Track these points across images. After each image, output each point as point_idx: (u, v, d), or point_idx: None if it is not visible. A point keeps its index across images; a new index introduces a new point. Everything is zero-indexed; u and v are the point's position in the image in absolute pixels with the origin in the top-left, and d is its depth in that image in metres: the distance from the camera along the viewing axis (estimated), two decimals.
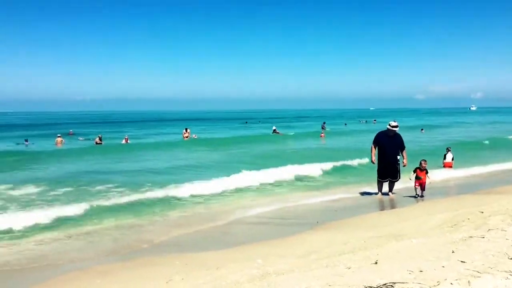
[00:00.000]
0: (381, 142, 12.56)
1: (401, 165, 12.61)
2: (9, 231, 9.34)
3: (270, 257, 6.71)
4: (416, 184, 12.38)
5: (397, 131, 12.62)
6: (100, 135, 33.29)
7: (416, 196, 12.34)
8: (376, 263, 5.32)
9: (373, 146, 12.76)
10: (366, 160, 17.86)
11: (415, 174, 12.39)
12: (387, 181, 12.67)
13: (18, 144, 33.31)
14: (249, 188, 14.43)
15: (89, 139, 37.53)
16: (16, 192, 14.01)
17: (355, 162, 19.70)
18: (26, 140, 33.76)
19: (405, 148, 12.82)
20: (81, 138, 39.94)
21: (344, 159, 19.73)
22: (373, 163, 12.84)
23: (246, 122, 78.60)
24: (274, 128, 45.53)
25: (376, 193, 12.84)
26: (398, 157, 12.60)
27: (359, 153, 20.77)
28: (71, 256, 7.96)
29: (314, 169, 17.55)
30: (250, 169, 16.48)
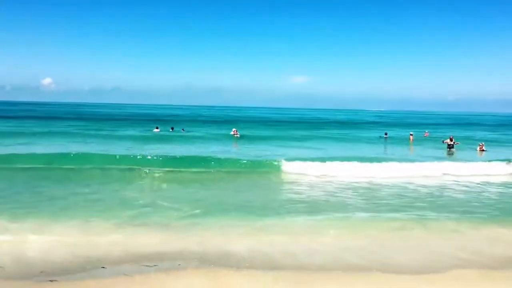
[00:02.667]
0: None
1: None
2: None
3: None
4: None
5: None
6: (451, 136, 32.01)
7: None
8: None
9: None
10: None
11: None
12: None
13: (380, 137, 37.19)
14: None
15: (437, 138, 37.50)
16: None
17: None
18: (386, 134, 37.50)
19: None
20: (426, 134, 40.70)
21: None
22: None
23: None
24: None
25: None
26: None
27: None
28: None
29: None
30: None
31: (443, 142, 30.04)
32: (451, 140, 29.50)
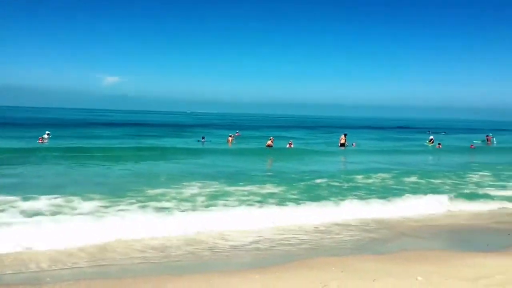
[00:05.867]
0: None
1: None
2: None
3: (432, 276, 6.29)
4: None
5: None
6: (272, 137, 34.17)
7: None
8: None
9: None
10: None
11: None
12: None
13: (198, 141, 37.32)
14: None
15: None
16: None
17: None
18: (203, 138, 37.58)
19: None
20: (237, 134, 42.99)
21: None
22: None
23: (429, 132, 64.42)
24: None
25: None
26: None
27: None
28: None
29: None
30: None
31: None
32: (271, 141, 32.27)
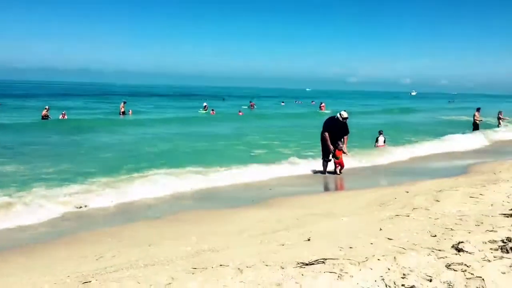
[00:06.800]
0: (332, 130, 13.23)
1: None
2: None
3: (205, 235, 6.68)
4: (336, 163, 13.33)
5: (346, 122, 13.30)
6: (47, 107, 30.65)
7: (336, 173, 13.27)
8: (308, 240, 5.44)
9: (326, 133, 13.15)
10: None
11: (333, 154, 13.27)
12: (331, 160, 13.36)
13: None
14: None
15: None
16: None
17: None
18: None
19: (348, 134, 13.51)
20: None
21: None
22: (332, 151, 13.08)
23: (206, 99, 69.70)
24: (205, 104, 45.28)
25: (322, 172, 13.44)
26: (340, 143, 13.23)
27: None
28: None
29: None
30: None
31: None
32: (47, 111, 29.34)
